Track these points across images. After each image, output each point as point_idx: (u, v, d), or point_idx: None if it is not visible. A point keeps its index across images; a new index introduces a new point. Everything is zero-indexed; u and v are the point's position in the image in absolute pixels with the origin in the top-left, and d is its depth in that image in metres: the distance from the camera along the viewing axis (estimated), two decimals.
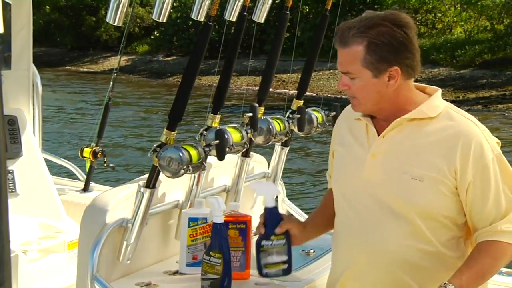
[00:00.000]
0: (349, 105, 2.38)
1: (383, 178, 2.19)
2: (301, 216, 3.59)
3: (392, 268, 2.20)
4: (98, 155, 4.22)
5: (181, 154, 2.47)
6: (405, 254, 2.18)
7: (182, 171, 2.48)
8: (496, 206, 2.14)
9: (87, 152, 4.22)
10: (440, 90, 2.26)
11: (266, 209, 2.45)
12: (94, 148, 4.22)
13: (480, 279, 2.15)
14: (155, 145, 2.51)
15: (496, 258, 2.15)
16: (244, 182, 3.13)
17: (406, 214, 2.16)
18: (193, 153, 2.52)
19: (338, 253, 2.35)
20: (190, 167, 2.50)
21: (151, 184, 2.54)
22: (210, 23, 2.58)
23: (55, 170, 4.93)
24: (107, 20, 2.44)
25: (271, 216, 2.44)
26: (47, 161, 4.21)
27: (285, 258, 2.45)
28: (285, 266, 2.46)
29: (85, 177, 4.34)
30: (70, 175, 4.68)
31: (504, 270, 3.03)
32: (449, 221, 2.18)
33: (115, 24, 2.42)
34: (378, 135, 2.23)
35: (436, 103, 2.21)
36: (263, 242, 2.41)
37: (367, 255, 2.23)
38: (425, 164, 2.14)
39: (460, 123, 2.17)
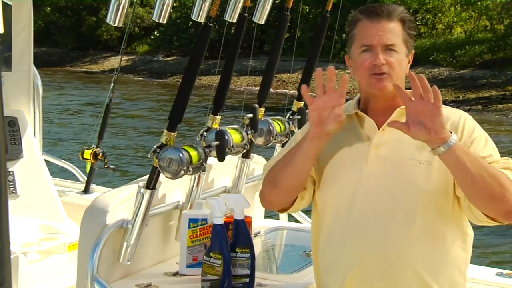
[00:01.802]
0: None
1: (389, 167, 2.19)
2: (303, 218, 3.58)
3: (399, 261, 2.20)
4: (99, 157, 4.22)
5: (181, 155, 2.48)
6: (410, 246, 2.19)
7: (182, 172, 2.49)
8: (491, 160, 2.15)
9: (87, 153, 4.22)
10: None
11: (235, 220, 2.48)
12: (94, 150, 4.21)
13: (473, 159, 2.04)
14: (155, 146, 2.52)
15: (493, 172, 2.07)
16: (245, 183, 3.13)
17: (412, 204, 2.17)
18: (193, 154, 2.52)
19: (341, 254, 2.28)
20: (190, 168, 2.50)
21: (151, 185, 2.55)
22: (210, 24, 2.58)
23: (56, 171, 4.93)
24: (107, 21, 2.44)
25: (239, 228, 2.47)
26: (47, 162, 4.20)
27: (247, 272, 2.47)
28: (247, 280, 2.48)
29: (86, 178, 4.33)
30: (70, 176, 4.68)
31: (505, 272, 3.02)
32: (448, 209, 2.20)
33: (116, 25, 2.42)
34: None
35: None
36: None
37: (374, 250, 2.21)
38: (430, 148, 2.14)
39: (452, 110, 2.27)
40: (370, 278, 2.23)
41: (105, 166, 4.30)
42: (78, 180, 4.46)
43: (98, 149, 4.23)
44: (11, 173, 3.86)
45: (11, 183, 3.85)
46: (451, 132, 2.02)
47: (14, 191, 3.84)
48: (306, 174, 2.25)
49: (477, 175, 2.04)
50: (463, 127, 2.20)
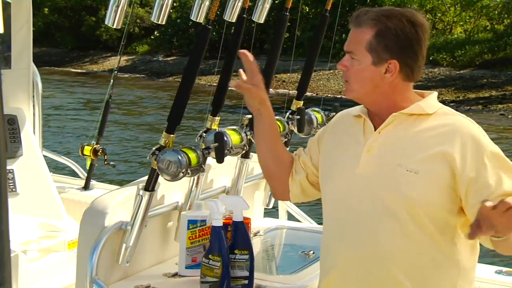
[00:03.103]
0: (340, 112, 2.45)
1: (377, 171, 2.18)
2: (302, 217, 3.58)
3: (382, 266, 2.17)
4: (99, 153, 4.22)
5: (180, 157, 2.47)
6: (394, 252, 2.15)
7: (181, 174, 2.48)
8: (502, 191, 2.07)
9: (87, 150, 4.22)
10: (436, 93, 2.29)
11: (233, 222, 2.48)
12: (94, 146, 4.21)
13: None
14: (154, 148, 2.51)
15: None
16: (244, 183, 3.12)
17: (398, 210, 2.13)
18: (192, 156, 2.52)
19: (327, 250, 2.30)
20: (189, 170, 2.50)
21: (150, 187, 2.54)
22: (209, 27, 2.57)
23: (56, 167, 4.93)
24: (106, 22, 2.44)
25: (238, 230, 2.47)
26: (47, 158, 4.20)
27: (246, 273, 2.47)
28: (246, 281, 2.48)
29: (86, 175, 4.34)
30: (70, 172, 4.68)
31: (504, 269, 3.02)
32: (440, 218, 2.15)
33: (114, 26, 2.42)
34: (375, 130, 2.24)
35: (432, 102, 2.23)
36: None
37: (357, 252, 2.20)
38: (421, 156, 2.12)
39: (457, 120, 2.18)
40: (349, 281, 2.22)
41: (105, 163, 4.31)
42: (78, 176, 4.46)
43: (98, 145, 4.24)
44: (10, 171, 3.86)
45: (10, 181, 3.85)
46: None
47: (13, 189, 3.84)
48: (272, 151, 2.43)
49: None
50: (466, 147, 2.10)
